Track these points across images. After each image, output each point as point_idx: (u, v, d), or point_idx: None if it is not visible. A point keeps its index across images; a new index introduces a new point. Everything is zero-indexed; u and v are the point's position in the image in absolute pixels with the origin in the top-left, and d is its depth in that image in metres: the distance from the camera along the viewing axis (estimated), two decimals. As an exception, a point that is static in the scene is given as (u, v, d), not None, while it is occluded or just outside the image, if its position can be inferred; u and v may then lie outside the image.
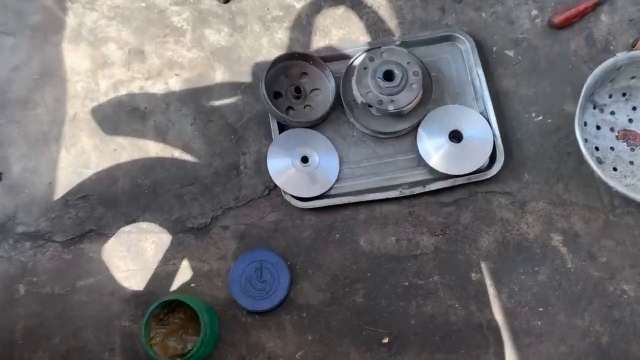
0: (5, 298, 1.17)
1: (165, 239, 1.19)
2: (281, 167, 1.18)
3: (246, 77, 1.27)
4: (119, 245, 1.19)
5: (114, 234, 1.19)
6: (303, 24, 1.30)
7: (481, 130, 1.19)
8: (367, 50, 1.19)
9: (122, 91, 1.26)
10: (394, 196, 1.17)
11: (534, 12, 1.30)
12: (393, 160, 1.22)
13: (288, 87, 1.22)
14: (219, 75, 1.27)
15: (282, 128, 1.21)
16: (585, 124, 1.19)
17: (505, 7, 1.30)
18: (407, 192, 1.17)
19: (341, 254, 1.18)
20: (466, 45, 1.25)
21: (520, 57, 1.27)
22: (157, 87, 1.27)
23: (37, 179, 1.22)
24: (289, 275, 1.15)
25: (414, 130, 1.21)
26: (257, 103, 1.25)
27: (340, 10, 1.30)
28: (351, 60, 1.21)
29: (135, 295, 1.16)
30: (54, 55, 1.28)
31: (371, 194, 1.18)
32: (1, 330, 1.15)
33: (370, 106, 1.15)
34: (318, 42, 1.29)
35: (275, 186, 1.19)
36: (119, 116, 1.25)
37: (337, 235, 1.19)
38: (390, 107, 1.14)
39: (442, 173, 1.18)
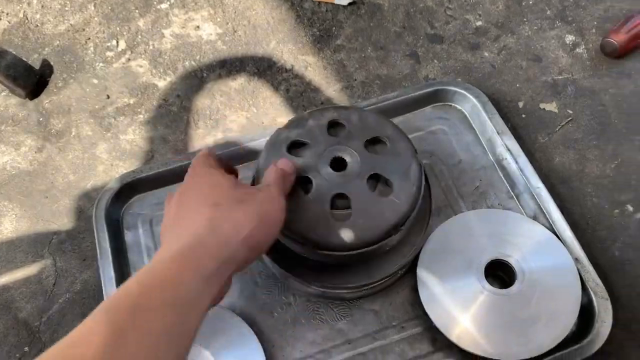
0: None
1: None
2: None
3: (62, 220, 0.65)
4: None
5: None
6: (174, 113, 0.72)
7: (548, 255, 0.57)
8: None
9: None
10: None
11: (570, 38, 0.76)
12: (376, 348, 0.57)
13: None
14: (7, 225, 0.65)
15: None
16: None
17: (520, 36, 0.76)
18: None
19: None
20: (473, 105, 0.68)
21: (570, 112, 0.71)
22: None
23: None
24: None
25: (408, 274, 0.59)
26: (85, 269, 0.62)
27: (240, 81, 0.74)
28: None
29: None
30: None
31: None
32: None
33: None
34: (204, 138, 0.70)
35: None
36: None
37: None
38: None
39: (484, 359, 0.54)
